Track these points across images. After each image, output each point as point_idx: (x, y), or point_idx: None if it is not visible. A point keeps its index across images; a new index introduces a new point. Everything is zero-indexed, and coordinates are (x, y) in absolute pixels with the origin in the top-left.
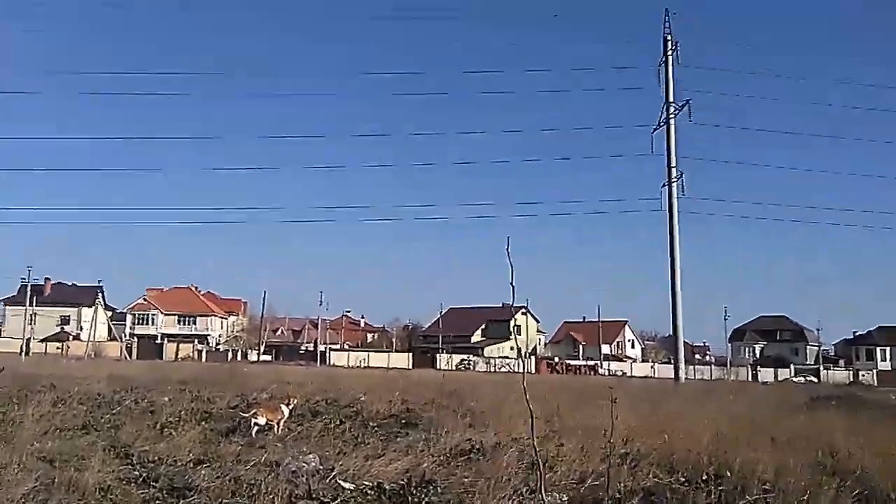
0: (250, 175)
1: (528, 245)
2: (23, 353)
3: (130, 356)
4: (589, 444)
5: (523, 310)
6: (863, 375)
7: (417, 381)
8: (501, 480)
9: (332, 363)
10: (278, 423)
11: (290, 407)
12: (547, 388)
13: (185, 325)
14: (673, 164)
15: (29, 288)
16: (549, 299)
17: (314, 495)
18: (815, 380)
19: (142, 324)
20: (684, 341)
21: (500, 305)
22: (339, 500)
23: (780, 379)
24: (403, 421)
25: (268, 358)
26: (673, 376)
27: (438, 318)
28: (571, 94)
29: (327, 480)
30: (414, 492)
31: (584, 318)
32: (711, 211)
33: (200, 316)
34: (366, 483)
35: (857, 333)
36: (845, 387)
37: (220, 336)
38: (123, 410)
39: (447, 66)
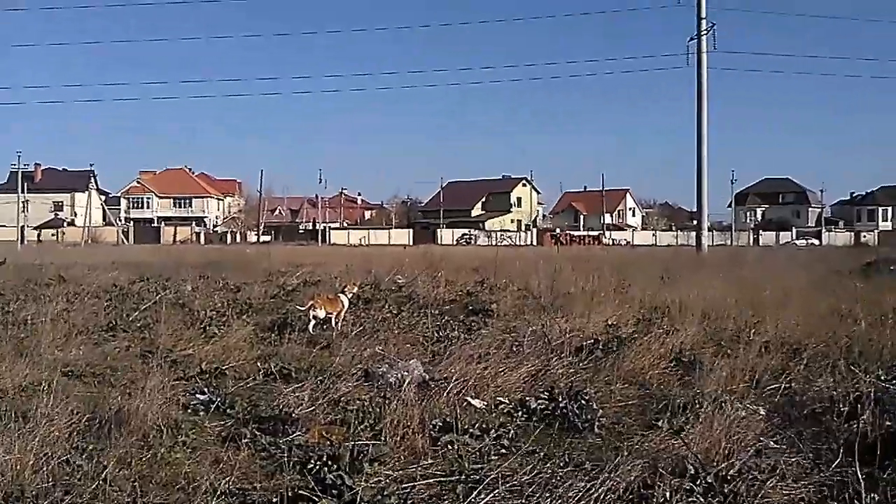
0: (242, 46)
1: (527, 113)
2: (18, 242)
3: (128, 241)
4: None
5: (524, 181)
6: (864, 236)
7: (440, 258)
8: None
9: (332, 242)
10: (337, 315)
11: (350, 296)
12: (577, 261)
13: (180, 207)
14: (703, 14)
15: (20, 175)
16: (547, 169)
17: (451, 422)
18: (817, 242)
19: (137, 208)
20: (681, 207)
21: (501, 178)
22: (479, 424)
23: (781, 243)
24: (470, 307)
25: (267, 239)
26: (695, 244)
27: (438, 193)
28: None
29: (451, 395)
30: (568, 408)
31: (585, 187)
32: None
33: (196, 198)
34: (501, 399)
35: (855, 194)
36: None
37: (216, 218)
38: (150, 304)
39: None
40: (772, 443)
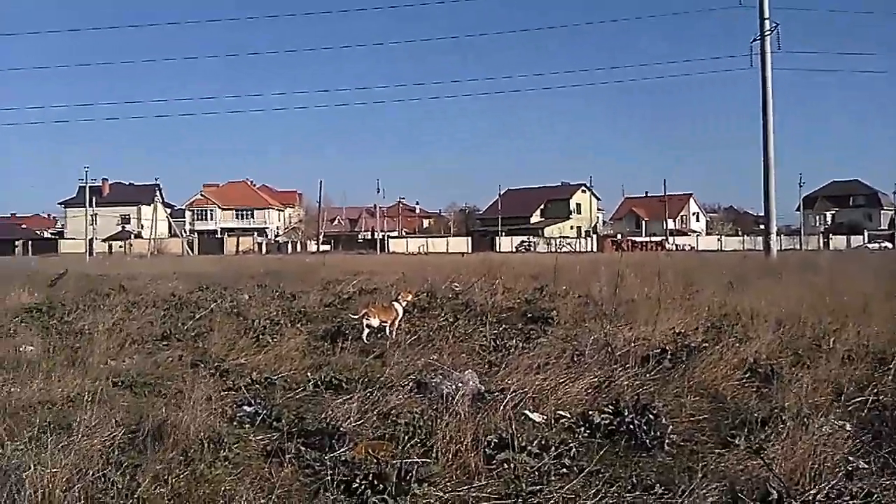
0: (298, 62)
1: (587, 118)
2: (87, 254)
3: (192, 252)
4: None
5: (583, 187)
6: None
7: (499, 266)
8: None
9: (391, 250)
10: (392, 324)
11: (405, 304)
12: (639, 267)
13: (242, 219)
14: (766, 14)
15: (87, 189)
16: (607, 175)
17: (507, 439)
18: (890, 245)
19: (201, 219)
20: (746, 211)
21: (559, 184)
22: (538, 440)
23: (853, 246)
24: (528, 315)
25: (326, 248)
26: (763, 249)
27: (497, 200)
28: None
29: (507, 408)
30: (634, 424)
31: (647, 193)
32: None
33: (258, 209)
34: (562, 413)
35: None
36: None
37: (277, 228)
38: (205, 314)
39: None
40: (862, 463)
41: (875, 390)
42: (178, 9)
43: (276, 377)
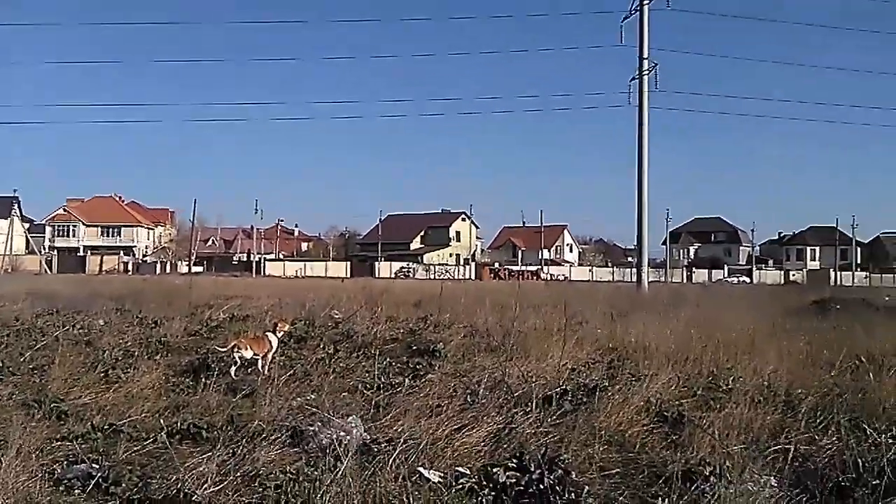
0: (178, 72)
1: (467, 147)
2: None
3: (51, 270)
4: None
5: (463, 215)
6: (793, 275)
7: (380, 293)
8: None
9: (267, 273)
10: (265, 357)
11: (280, 335)
12: (519, 297)
13: (108, 236)
14: (645, 55)
15: None
16: (486, 204)
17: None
18: (748, 280)
19: (62, 236)
20: (615, 244)
21: (440, 212)
22: None
23: (714, 280)
24: (413, 347)
25: (199, 270)
26: (634, 280)
27: (377, 226)
28: None
29: (399, 465)
30: (544, 482)
31: (524, 222)
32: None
33: (125, 227)
34: (461, 470)
35: (783, 234)
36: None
37: (146, 248)
38: (50, 342)
39: None
40: None
41: (788, 437)
42: (46, 10)
43: (123, 422)
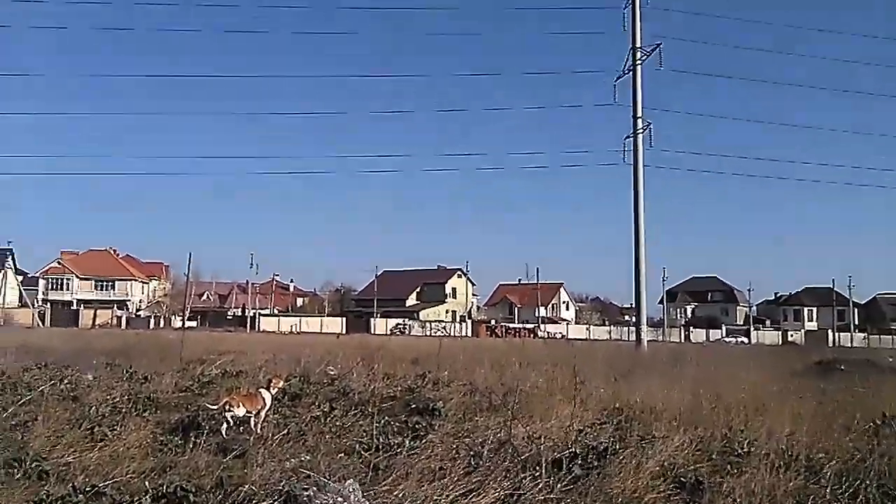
0: (172, 125)
1: (463, 204)
2: None
3: (43, 324)
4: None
5: (459, 272)
6: (791, 335)
7: (377, 348)
8: None
9: (262, 329)
10: (258, 415)
11: (274, 392)
12: (519, 355)
13: (102, 290)
14: (639, 114)
15: None
16: (481, 262)
17: None
18: (746, 340)
19: (56, 289)
20: (612, 302)
21: (436, 268)
22: None
23: (711, 339)
24: (412, 405)
25: (192, 324)
26: (633, 339)
27: (373, 282)
28: (522, 38)
29: None
30: None
31: (520, 280)
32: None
33: (119, 280)
34: None
35: (779, 294)
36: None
37: (140, 302)
38: (35, 396)
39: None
40: None
41: None
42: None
43: (107, 483)
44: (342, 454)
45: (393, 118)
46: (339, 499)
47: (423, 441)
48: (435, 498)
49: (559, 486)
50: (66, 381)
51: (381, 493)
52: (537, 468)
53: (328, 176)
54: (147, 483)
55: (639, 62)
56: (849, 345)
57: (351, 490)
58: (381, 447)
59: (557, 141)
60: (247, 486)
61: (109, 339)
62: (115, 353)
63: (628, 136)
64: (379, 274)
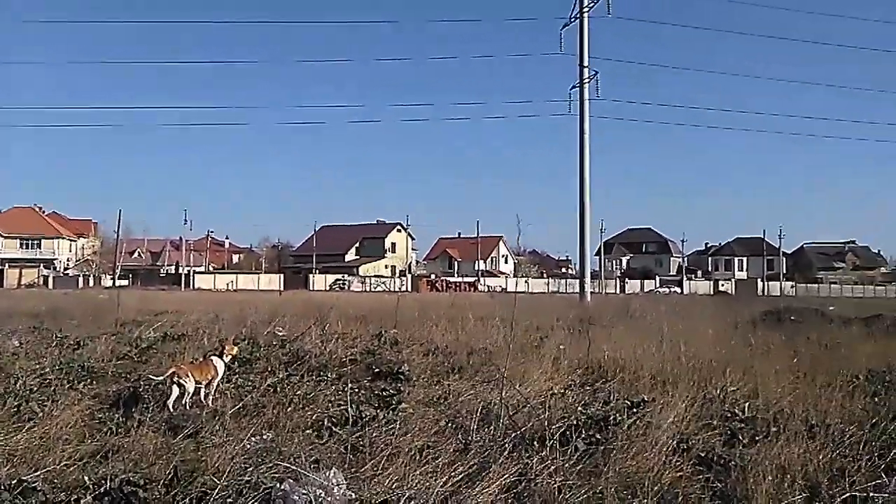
0: (102, 73)
1: (404, 156)
2: None
3: None
4: None
5: (399, 226)
6: (722, 285)
7: (323, 307)
8: None
9: (197, 287)
10: (208, 386)
11: (228, 359)
12: (465, 309)
13: (28, 248)
14: (585, 62)
15: None
16: (420, 216)
17: None
18: (679, 290)
19: None
20: (548, 255)
21: (375, 222)
22: None
23: (646, 290)
24: (374, 369)
25: (124, 283)
26: (575, 291)
27: (311, 237)
28: None
29: None
30: None
31: (459, 233)
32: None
33: (45, 238)
34: None
35: (709, 245)
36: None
37: (68, 261)
38: None
39: None
40: None
41: (853, 481)
42: None
43: (37, 475)
44: (308, 430)
45: (329, 66)
46: (320, 491)
47: (396, 411)
48: (430, 486)
49: (567, 465)
50: None
51: (367, 480)
52: (535, 443)
53: (263, 128)
54: (86, 475)
55: (586, 10)
56: (777, 293)
57: (335, 481)
58: (352, 421)
59: (500, 91)
60: (206, 476)
61: (36, 300)
62: (42, 316)
63: (574, 86)
64: (317, 229)
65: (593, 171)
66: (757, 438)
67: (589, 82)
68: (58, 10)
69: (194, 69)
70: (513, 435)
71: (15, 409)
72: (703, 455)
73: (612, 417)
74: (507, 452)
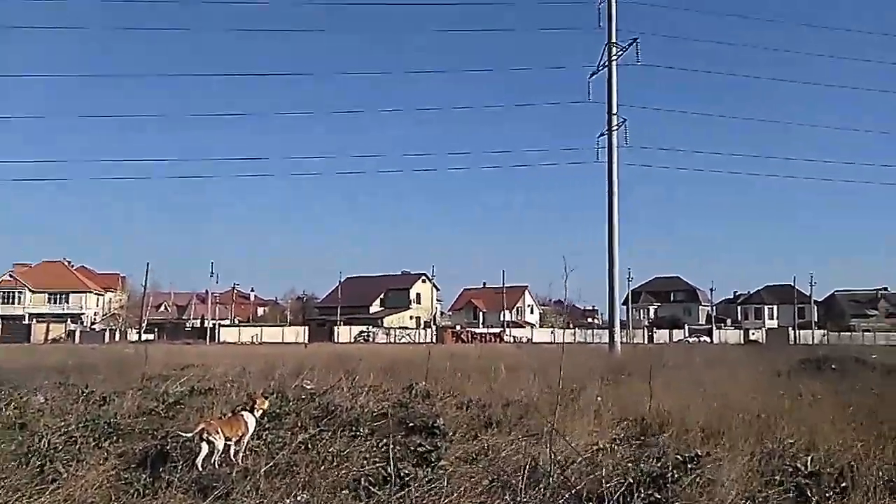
0: (123, 127)
1: (427, 208)
2: None
3: None
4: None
5: (423, 277)
6: (752, 334)
7: (351, 358)
8: None
9: (222, 340)
10: (238, 443)
11: (258, 414)
12: (495, 360)
13: (56, 303)
14: (614, 110)
15: None
16: (444, 266)
17: None
18: (709, 340)
19: (7, 303)
20: (574, 305)
21: (399, 273)
22: None
23: (674, 340)
24: (408, 423)
25: (150, 337)
26: (605, 342)
27: (337, 288)
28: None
29: None
30: None
31: (484, 284)
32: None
33: (73, 293)
34: None
35: (738, 293)
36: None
37: (95, 315)
38: None
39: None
40: None
41: None
42: None
43: None
44: (346, 490)
45: (356, 117)
46: None
47: (435, 469)
48: None
49: None
50: (12, 405)
51: None
52: (589, 502)
53: (289, 179)
54: None
55: (614, 58)
56: (810, 342)
57: None
58: (387, 479)
59: (528, 140)
60: None
61: (62, 355)
62: (68, 371)
63: (602, 134)
64: (342, 280)
65: (621, 218)
66: (828, 495)
67: (618, 129)
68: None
69: (220, 120)
70: (566, 495)
71: (38, 470)
72: None
73: (669, 474)
74: None
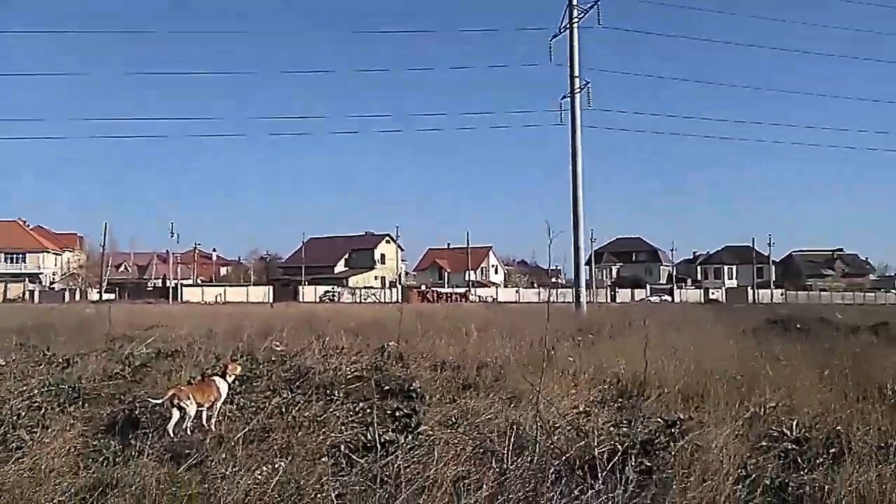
0: (85, 84)
1: (391, 168)
2: None
3: None
4: None
5: (388, 237)
6: (712, 293)
7: (324, 319)
8: None
9: (185, 300)
10: (211, 408)
11: (231, 380)
12: (461, 321)
13: (12, 263)
14: (576, 73)
15: None
16: (410, 227)
17: None
18: (669, 299)
19: None
20: (538, 265)
21: (364, 234)
22: None
23: (636, 299)
24: (384, 386)
25: (111, 297)
26: (571, 301)
27: (300, 249)
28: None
29: None
30: None
31: (449, 244)
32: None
33: (31, 252)
34: None
35: (698, 254)
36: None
37: (53, 275)
38: None
39: None
40: None
41: None
42: None
43: None
44: (325, 457)
45: (318, 77)
46: None
47: (416, 435)
48: None
49: (622, 497)
50: None
51: None
52: (580, 470)
53: (251, 139)
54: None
55: (575, 21)
56: (768, 301)
57: None
58: (368, 445)
59: (487, 102)
60: None
61: (21, 315)
62: (27, 332)
63: (565, 96)
64: (306, 241)
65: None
66: (819, 461)
67: (580, 92)
68: (38, 15)
69: (182, 80)
70: (555, 463)
71: (1, 437)
72: (768, 483)
73: (657, 441)
74: (549, 483)
